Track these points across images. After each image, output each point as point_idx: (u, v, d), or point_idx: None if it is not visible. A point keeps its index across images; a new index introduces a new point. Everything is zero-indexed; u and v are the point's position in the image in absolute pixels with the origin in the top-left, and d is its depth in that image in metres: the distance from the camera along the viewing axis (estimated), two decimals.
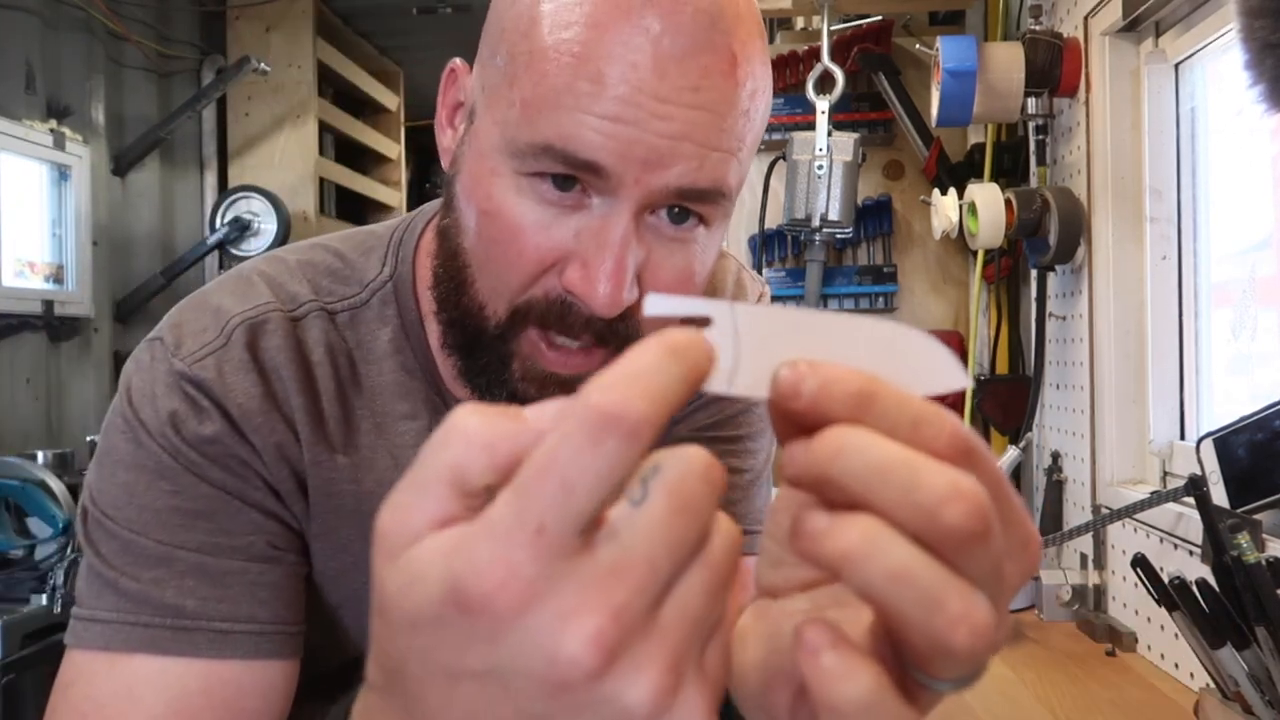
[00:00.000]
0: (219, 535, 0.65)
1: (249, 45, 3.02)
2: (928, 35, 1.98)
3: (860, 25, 1.99)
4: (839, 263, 2.04)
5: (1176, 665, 1.27)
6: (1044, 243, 1.61)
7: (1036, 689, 1.24)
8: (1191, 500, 1.11)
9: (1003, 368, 1.92)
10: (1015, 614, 1.53)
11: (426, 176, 4.83)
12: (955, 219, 1.72)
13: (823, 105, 1.76)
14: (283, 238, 2.87)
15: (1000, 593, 0.30)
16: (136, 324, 2.80)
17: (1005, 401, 1.82)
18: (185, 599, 0.64)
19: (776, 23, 2.34)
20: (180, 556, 0.64)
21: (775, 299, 1.66)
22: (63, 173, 2.54)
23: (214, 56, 3.05)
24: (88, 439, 2.41)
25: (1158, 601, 1.03)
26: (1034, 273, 1.70)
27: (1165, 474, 1.45)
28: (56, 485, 1.91)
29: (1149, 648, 1.35)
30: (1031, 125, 1.69)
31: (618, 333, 0.62)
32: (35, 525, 1.90)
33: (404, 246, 0.74)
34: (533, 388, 0.63)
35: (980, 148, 1.91)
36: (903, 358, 0.33)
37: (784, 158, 1.82)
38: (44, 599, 1.78)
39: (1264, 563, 0.89)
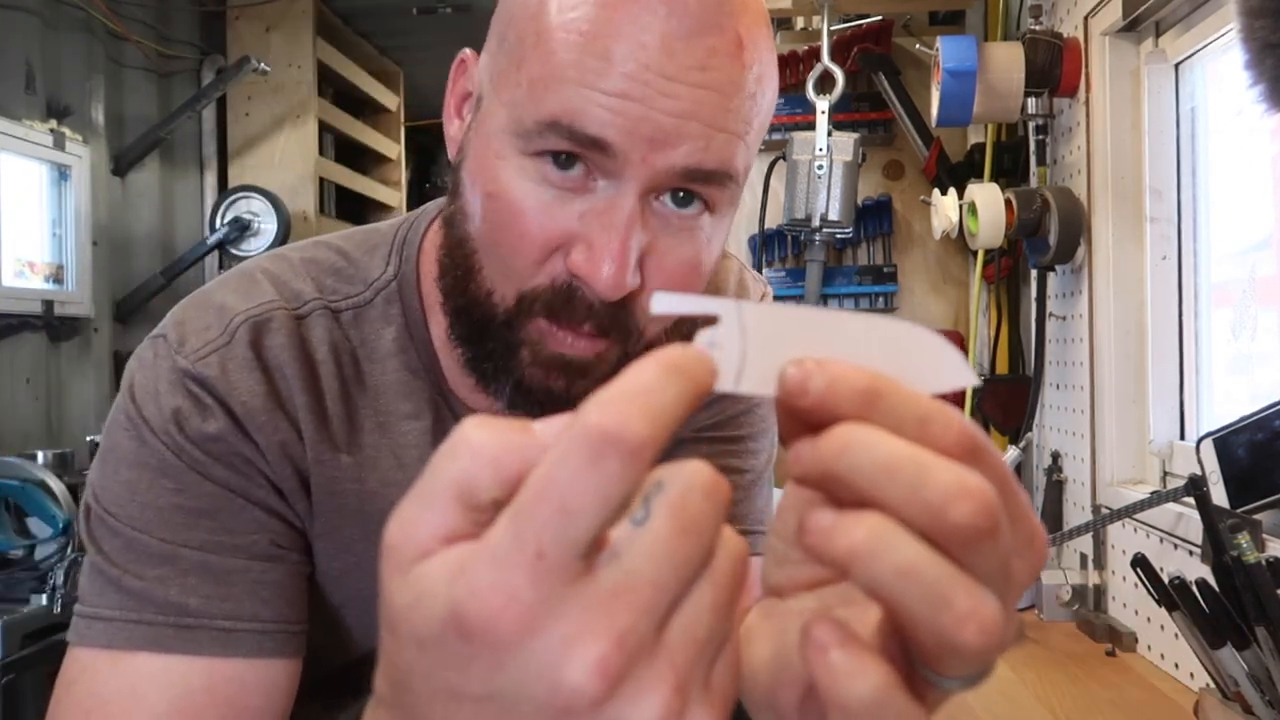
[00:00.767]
0: (222, 533, 0.65)
1: (249, 45, 3.02)
2: (928, 35, 1.98)
3: (860, 25, 1.99)
4: (839, 263, 2.04)
5: (1176, 665, 1.27)
6: (1044, 243, 1.61)
7: (1036, 689, 1.24)
8: (1191, 500, 1.11)
9: (1003, 368, 1.92)
10: (1018, 613, 1.53)
11: (426, 176, 4.83)
12: (955, 219, 1.72)
13: (823, 105, 1.76)
14: (283, 238, 2.86)
15: (1008, 590, 0.30)
16: (136, 324, 2.79)
17: (1005, 401, 1.82)
18: (188, 597, 0.64)
19: (777, 23, 2.33)
20: (183, 554, 0.64)
21: (775, 299, 1.66)
22: (63, 173, 2.54)
23: (214, 56, 3.05)
24: (88, 439, 2.41)
25: (1158, 601, 1.03)
26: (1034, 273, 1.71)
27: (1165, 474, 1.45)
28: (56, 485, 1.90)
29: (1149, 648, 1.35)
30: (1031, 125, 1.69)
31: (620, 323, 0.61)
32: (35, 525, 1.89)
33: (408, 245, 0.73)
34: (540, 371, 0.63)
35: (980, 148, 1.91)
36: (909, 356, 0.32)
37: (784, 158, 1.82)
38: (44, 599, 1.77)
39: (1264, 563, 0.89)
